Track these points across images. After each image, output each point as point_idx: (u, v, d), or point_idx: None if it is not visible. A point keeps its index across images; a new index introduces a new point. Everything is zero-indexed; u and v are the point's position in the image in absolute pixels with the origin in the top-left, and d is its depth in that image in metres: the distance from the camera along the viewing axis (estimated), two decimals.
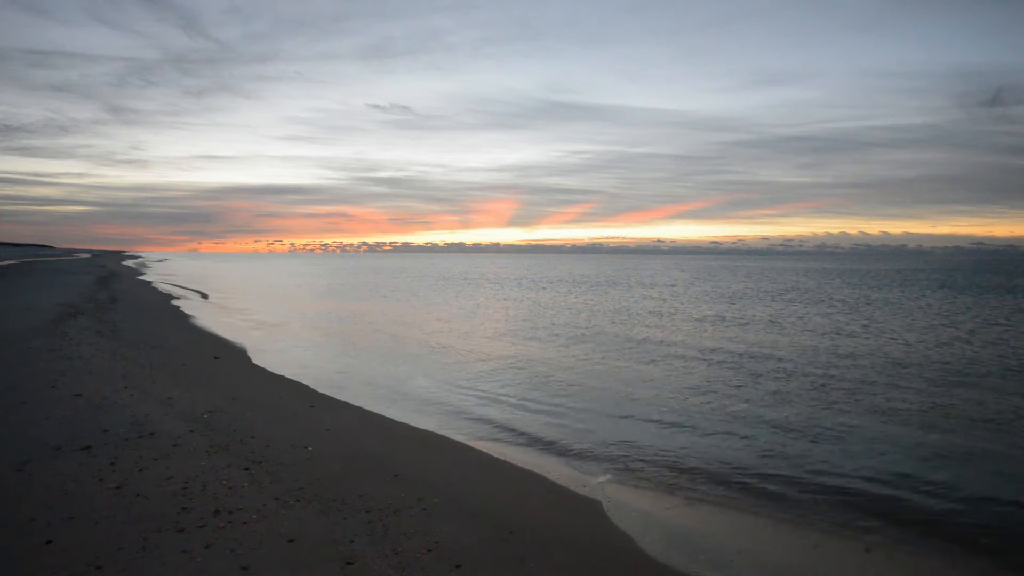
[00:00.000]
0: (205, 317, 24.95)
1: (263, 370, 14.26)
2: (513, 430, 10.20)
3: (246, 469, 7.31)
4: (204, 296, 36.33)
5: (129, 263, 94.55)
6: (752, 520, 6.92)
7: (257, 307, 31.39)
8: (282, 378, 13.41)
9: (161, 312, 25.92)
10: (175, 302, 31.10)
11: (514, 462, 8.50)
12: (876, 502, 7.40)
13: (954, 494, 7.63)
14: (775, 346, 18.88)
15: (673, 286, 52.27)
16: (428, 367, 15.53)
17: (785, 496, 7.57)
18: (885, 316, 27.53)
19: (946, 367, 15.47)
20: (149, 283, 46.30)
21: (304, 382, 13.05)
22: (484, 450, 9.03)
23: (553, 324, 24.72)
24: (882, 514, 7.06)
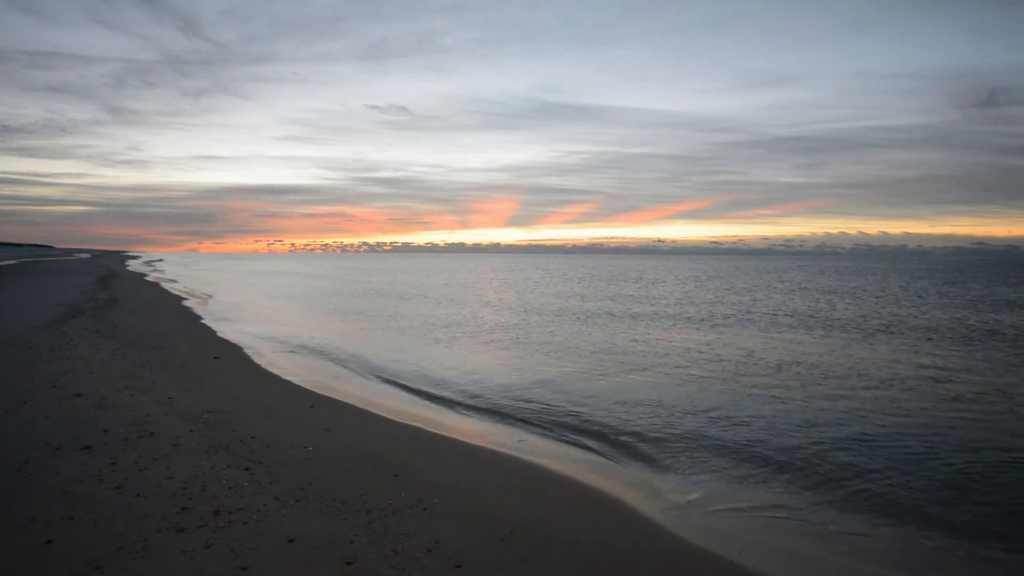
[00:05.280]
0: (205, 317, 24.95)
1: (263, 370, 14.26)
2: (519, 427, 10.25)
3: (246, 469, 7.31)
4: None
5: (136, 267, 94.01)
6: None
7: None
8: (282, 378, 13.41)
9: (161, 312, 25.91)
10: (186, 303, 31.11)
11: (518, 459, 8.50)
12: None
13: None
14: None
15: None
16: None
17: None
18: None
19: None
20: (154, 283, 46.30)
21: (304, 383, 13.06)
22: (487, 448, 9.03)
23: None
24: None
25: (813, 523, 6.82)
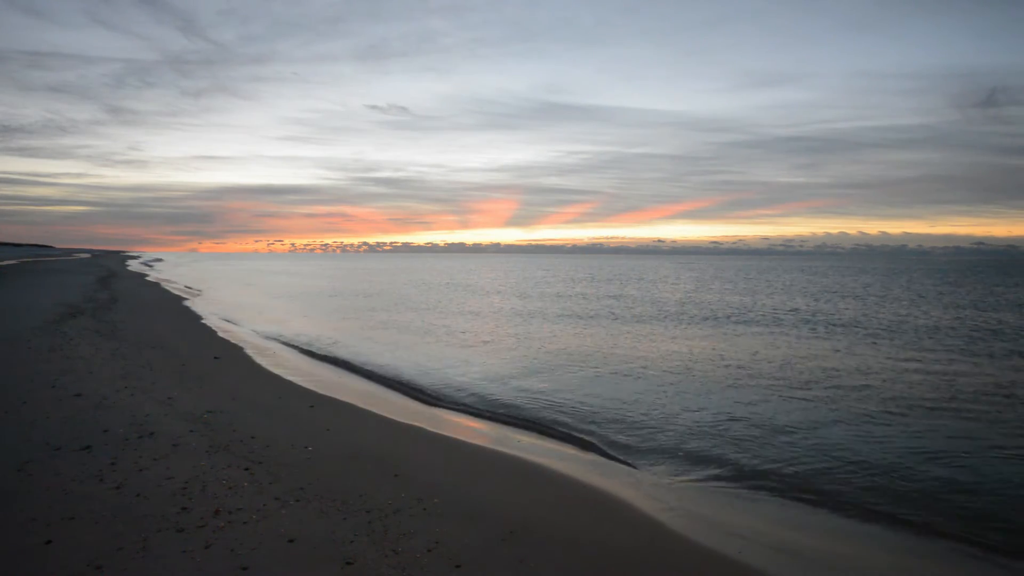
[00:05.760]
0: (205, 317, 24.95)
1: (263, 370, 14.25)
2: (519, 427, 10.25)
3: (246, 469, 7.31)
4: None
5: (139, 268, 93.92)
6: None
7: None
8: (282, 378, 13.41)
9: (161, 312, 25.91)
10: (186, 303, 31.11)
11: (518, 459, 8.49)
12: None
13: None
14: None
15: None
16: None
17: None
18: None
19: None
20: (154, 283, 46.30)
21: (304, 383, 13.05)
22: (487, 448, 9.02)
23: None
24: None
25: (814, 520, 6.83)
